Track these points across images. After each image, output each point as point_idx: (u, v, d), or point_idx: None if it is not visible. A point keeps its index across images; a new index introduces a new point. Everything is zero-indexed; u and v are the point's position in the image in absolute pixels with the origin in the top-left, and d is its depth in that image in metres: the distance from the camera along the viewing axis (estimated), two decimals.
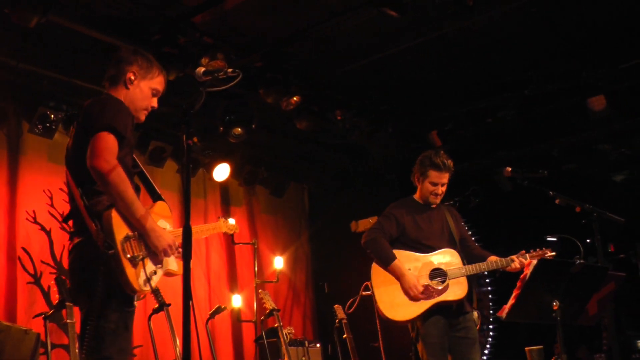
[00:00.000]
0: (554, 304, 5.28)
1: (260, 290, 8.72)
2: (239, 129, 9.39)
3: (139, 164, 4.86)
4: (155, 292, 7.05)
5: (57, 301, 6.61)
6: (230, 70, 4.23)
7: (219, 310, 8.13)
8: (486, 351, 10.52)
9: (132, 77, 4.67)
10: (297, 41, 8.24)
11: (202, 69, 4.24)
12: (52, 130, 8.53)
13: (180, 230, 4.36)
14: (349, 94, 9.74)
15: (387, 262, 6.50)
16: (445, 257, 6.54)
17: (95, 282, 4.18)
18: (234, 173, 10.70)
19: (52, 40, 7.80)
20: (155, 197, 4.88)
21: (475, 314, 6.63)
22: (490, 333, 10.61)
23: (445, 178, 6.64)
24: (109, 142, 4.28)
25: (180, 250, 4.50)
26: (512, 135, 10.15)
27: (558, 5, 7.77)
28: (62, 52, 8.07)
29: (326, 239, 12.12)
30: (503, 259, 6.43)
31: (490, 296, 10.55)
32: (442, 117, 10.31)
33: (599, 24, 8.25)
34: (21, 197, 8.45)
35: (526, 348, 9.04)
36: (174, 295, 7.78)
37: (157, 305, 7.18)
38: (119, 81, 4.68)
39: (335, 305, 8.52)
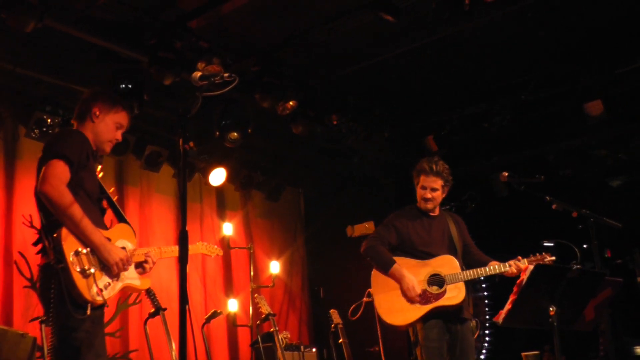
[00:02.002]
0: (551, 309, 5.26)
1: (256, 295, 8.71)
2: (235, 134, 9.37)
3: (105, 189, 5.19)
4: (152, 296, 7.06)
5: None
6: (226, 74, 4.24)
7: (214, 315, 8.11)
8: (482, 356, 10.51)
9: (97, 112, 5.07)
10: (293, 46, 8.23)
11: (199, 74, 4.26)
12: (49, 134, 8.50)
13: (141, 250, 5.03)
14: (345, 98, 9.73)
15: (386, 267, 6.58)
16: (443, 263, 6.57)
17: (49, 299, 4.52)
18: (230, 177, 10.68)
19: (49, 45, 7.79)
20: (120, 219, 5.16)
21: (474, 322, 6.69)
22: (487, 338, 10.60)
23: (434, 183, 6.66)
24: (57, 169, 4.64)
25: (146, 265, 5.07)
26: (508, 140, 10.15)
27: (554, 9, 7.77)
28: (58, 57, 8.06)
29: (322, 244, 12.11)
30: (501, 264, 6.47)
31: (486, 301, 10.55)
32: (438, 122, 10.30)
33: (595, 29, 8.25)
34: (18, 202, 8.43)
35: (522, 353, 9.04)
36: (169, 299, 7.78)
37: (153, 310, 7.17)
38: (85, 117, 5.08)
39: (331, 310, 8.52)
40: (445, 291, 6.46)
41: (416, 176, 6.74)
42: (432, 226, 6.76)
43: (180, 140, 4.09)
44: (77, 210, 4.56)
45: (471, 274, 6.49)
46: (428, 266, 6.57)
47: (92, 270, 4.57)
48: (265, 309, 8.21)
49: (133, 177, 9.87)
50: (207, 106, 7.50)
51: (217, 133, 9.36)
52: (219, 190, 11.01)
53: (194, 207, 10.59)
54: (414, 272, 6.54)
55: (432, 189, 6.67)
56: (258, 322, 8.65)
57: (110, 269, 4.71)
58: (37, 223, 8.07)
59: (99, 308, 4.73)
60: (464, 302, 6.48)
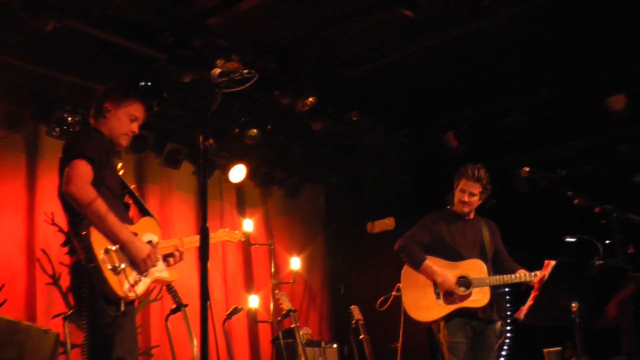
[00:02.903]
0: (573, 305, 5.22)
1: (276, 291, 8.70)
2: (255, 131, 9.38)
3: (127, 184, 5.23)
4: (173, 293, 7.07)
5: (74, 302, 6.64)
6: (245, 71, 4.22)
7: (235, 311, 8.10)
8: (503, 353, 10.45)
9: (109, 107, 5.11)
10: (312, 43, 8.20)
11: (218, 71, 4.24)
12: (69, 133, 8.52)
13: (167, 242, 5.09)
14: (364, 95, 9.70)
15: (418, 264, 6.82)
16: (472, 267, 6.77)
17: (82, 297, 4.60)
18: (250, 174, 10.67)
19: (68, 44, 7.82)
20: (144, 213, 5.22)
21: (499, 324, 6.88)
22: (508, 335, 10.54)
23: (473, 188, 6.83)
24: (79, 168, 4.68)
25: (173, 258, 5.14)
26: (528, 136, 10.08)
27: (574, 4, 7.70)
28: (77, 56, 8.09)
29: (342, 240, 12.09)
30: (527, 274, 6.63)
31: (507, 297, 10.48)
32: (458, 119, 10.25)
33: (616, 22, 8.16)
34: (40, 200, 8.46)
35: (544, 350, 8.98)
36: (191, 296, 7.78)
37: (174, 306, 7.17)
38: (99, 114, 5.14)
39: (352, 306, 8.49)
40: (470, 293, 6.67)
41: (457, 179, 6.93)
42: (467, 230, 6.96)
43: (201, 137, 4.08)
44: (103, 208, 4.60)
45: (497, 279, 6.67)
46: (457, 268, 6.77)
47: (123, 267, 4.61)
48: (286, 305, 8.19)
49: (153, 174, 9.88)
50: (227, 103, 7.51)
51: (237, 130, 9.36)
52: (239, 187, 11.01)
53: (214, 204, 10.58)
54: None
55: (470, 194, 6.86)
56: (279, 318, 8.66)
57: (139, 266, 4.76)
58: (60, 222, 8.15)
59: (131, 303, 4.79)
60: (487, 305, 6.66)
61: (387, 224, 10.64)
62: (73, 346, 7.24)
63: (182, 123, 9.48)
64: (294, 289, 11.13)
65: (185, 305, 7.15)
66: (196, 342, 6.92)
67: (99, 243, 4.59)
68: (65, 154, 4.83)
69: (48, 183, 8.49)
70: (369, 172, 11.80)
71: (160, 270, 4.98)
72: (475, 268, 6.75)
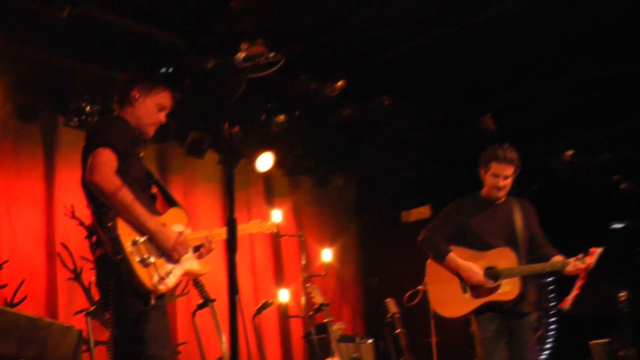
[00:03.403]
0: (621, 294, 5.17)
1: (307, 285, 8.70)
2: (282, 117, 9.39)
3: (153, 174, 5.24)
4: (200, 287, 7.08)
5: (98, 297, 6.68)
6: (271, 54, 4.20)
7: (265, 306, 8.12)
8: (547, 346, 10.39)
9: (137, 95, 5.11)
10: (339, 26, 8.18)
11: (242, 55, 4.22)
12: (88, 123, 8.54)
13: (196, 233, 5.07)
14: (394, 80, 9.65)
15: (442, 257, 6.67)
16: (500, 256, 6.58)
17: (108, 291, 4.62)
18: (278, 163, 10.67)
19: (84, 32, 7.83)
20: (172, 203, 5.25)
21: (534, 316, 6.70)
22: (552, 327, 10.48)
23: (507, 170, 6.63)
24: (104, 157, 4.67)
25: (203, 249, 5.11)
26: (569, 119, 9.99)
27: None
28: (94, 44, 8.11)
29: (376, 230, 12.07)
30: (560, 261, 6.45)
31: (550, 287, 10.42)
32: (494, 102, 10.18)
33: None
34: (59, 193, 8.53)
35: (590, 342, 8.92)
36: (218, 290, 7.77)
37: (201, 301, 7.18)
38: (125, 102, 5.14)
39: (387, 299, 8.47)
40: (499, 286, 6.50)
41: (485, 163, 6.72)
42: (496, 215, 6.75)
43: (225, 125, 4.08)
44: (129, 197, 4.60)
45: (528, 269, 6.52)
46: (484, 258, 6.60)
47: (152, 259, 4.60)
48: (318, 298, 8.19)
49: (176, 165, 9.91)
50: (252, 89, 7.50)
51: (263, 117, 9.37)
52: (267, 176, 11.02)
53: (241, 194, 10.60)
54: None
55: (504, 177, 6.65)
56: (311, 313, 8.64)
57: (170, 256, 4.76)
58: (80, 215, 8.21)
59: (162, 297, 4.78)
60: (518, 297, 6.47)
61: (423, 212, 10.61)
62: (96, 343, 7.29)
63: (206, 111, 9.49)
64: (326, 282, 11.13)
65: (213, 300, 7.16)
66: (225, 339, 6.94)
67: (126, 234, 4.57)
68: (89, 143, 4.83)
69: (67, 175, 8.55)
70: (402, 159, 11.76)
71: (190, 262, 4.97)
72: (504, 257, 6.55)
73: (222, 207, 10.25)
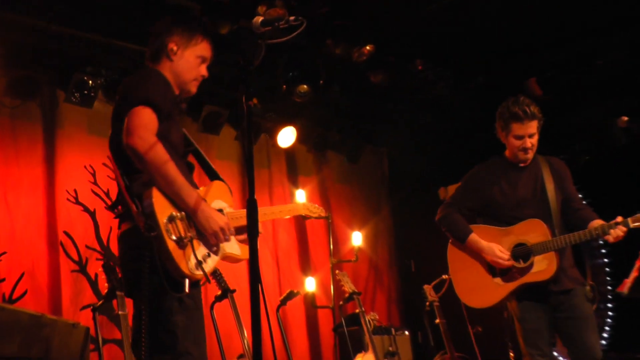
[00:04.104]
0: None
1: (337, 272, 8.70)
2: (305, 87, 9.39)
3: (192, 141, 5.10)
4: (218, 276, 7.09)
5: (106, 291, 6.71)
6: (292, 18, 4.19)
7: (291, 296, 8.14)
8: (605, 334, 10.37)
9: (175, 48, 4.95)
10: None
11: (260, 19, 4.22)
12: (91, 98, 8.58)
13: (241, 212, 4.80)
14: (429, 41, 9.60)
15: (462, 238, 6.55)
16: (529, 229, 6.34)
17: (142, 271, 4.34)
18: (301, 137, 10.70)
19: None
20: (212, 176, 5.14)
21: (587, 287, 6.34)
22: (609, 313, 10.45)
23: (531, 128, 6.37)
24: (144, 118, 4.48)
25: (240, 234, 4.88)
26: (625, 80, 9.91)
27: None
28: (98, 10, 8.10)
29: (411, 210, 12.07)
30: (599, 227, 6.14)
31: (607, 269, 10.38)
32: (542, 62, 10.11)
33: None
34: (60, 176, 8.55)
35: None
36: (238, 280, 7.84)
37: (219, 292, 7.21)
38: (161, 55, 4.97)
39: (425, 286, 8.49)
40: (532, 264, 6.27)
41: (504, 126, 6.50)
42: (522, 180, 6.51)
43: (243, 97, 4.04)
44: (172, 167, 4.43)
45: (563, 240, 6.19)
46: (511, 234, 6.40)
47: (190, 239, 4.45)
48: (349, 287, 8.21)
49: None
50: (272, 56, 7.50)
51: (284, 87, 9.37)
52: (289, 152, 11.04)
53: (262, 173, 10.63)
54: (496, 243, 6.41)
55: (530, 135, 6.39)
56: (341, 303, 8.66)
57: (208, 239, 4.62)
58: (84, 199, 8.25)
59: (197, 284, 4.64)
60: (555, 275, 6.20)
61: None
62: (105, 341, 7.35)
63: (221, 82, 9.48)
64: (357, 268, 11.15)
65: (233, 291, 7.20)
66: (246, 333, 6.99)
67: (162, 208, 4.42)
68: (125, 99, 4.63)
69: (69, 156, 8.59)
70: (439, 130, 11.74)
71: (231, 245, 4.81)
72: (534, 230, 6.29)
73: (241, 187, 10.26)
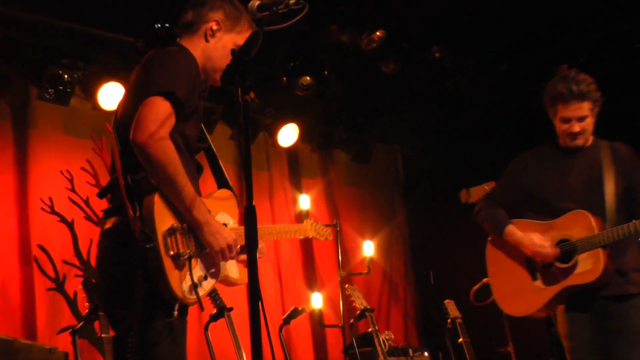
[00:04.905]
0: None
1: (347, 286, 8.71)
2: (308, 78, 9.40)
3: (208, 137, 5.02)
4: (213, 293, 7.10)
5: (86, 311, 6.70)
6: (292, 1, 4.18)
7: (295, 314, 8.16)
8: None
9: (215, 28, 4.79)
10: None
11: (257, 2, 4.20)
12: (67, 94, 8.58)
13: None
14: (447, 26, 9.60)
15: (499, 230, 6.36)
16: (573, 222, 6.06)
17: (133, 284, 4.25)
18: (304, 136, 10.72)
19: None
20: (221, 182, 5.12)
21: None
22: None
23: (580, 109, 6.04)
24: (159, 112, 4.30)
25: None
26: None
27: None
28: None
29: (429, 215, 12.09)
30: None
31: None
32: (573, 47, 10.12)
33: None
34: (34, 182, 8.53)
35: None
36: (235, 296, 7.85)
37: (215, 311, 7.23)
38: (197, 30, 4.80)
39: (446, 301, 8.49)
40: (576, 263, 5.97)
41: (550, 106, 6.18)
42: (574, 167, 6.20)
43: (239, 91, 3.93)
44: (181, 174, 4.30)
45: (610, 235, 5.82)
46: (553, 229, 6.14)
47: (189, 257, 4.33)
48: (360, 303, 8.23)
49: None
50: (271, 45, 7.51)
51: (285, 79, 9.38)
52: (291, 152, 11.07)
53: (261, 175, 10.66)
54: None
55: (579, 118, 6.06)
56: (352, 321, 8.67)
57: (212, 258, 4.50)
58: (60, 208, 8.24)
59: (186, 312, 4.51)
60: (605, 276, 5.85)
61: (487, 190, 10.59)
62: None
63: None
64: (369, 281, 11.19)
65: (230, 309, 7.22)
66: (245, 356, 7.00)
67: (162, 217, 4.30)
68: (141, 85, 4.47)
69: (44, 160, 8.58)
70: (459, 125, 11.75)
71: (230, 267, 4.71)
72: (578, 223, 5.99)
73: (238, 193, 10.24)
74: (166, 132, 4.28)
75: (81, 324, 6.95)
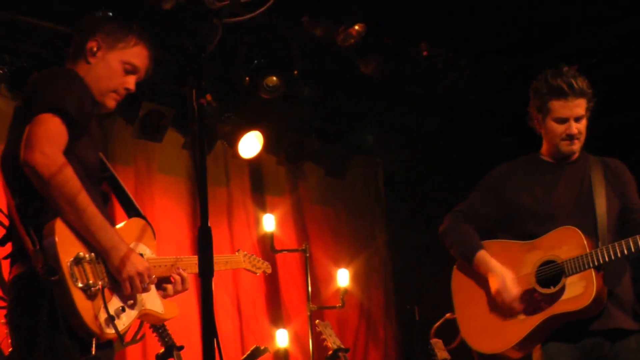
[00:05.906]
0: None
1: (317, 321, 8.75)
2: (274, 79, 9.43)
3: (109, 166, 5.11)
4: (161, 330, 7.10)
5: (10, 349, 6.69)
6: None
7: (257, 354, 8.18)
8: None
9: (95, 48, 4.97)
10: None
11: None
12: (39, 73, 8.57)
13: (166, 259, 4.86)
14: (437, 20, 9.64)
15: (469, 256, 6.28)
16: (559, 241, 5.97)
17: (37, 328, 4.31)
18: (270, 146, 10.73)
19: None
20: (132, 211, 5.12)
21: None
22: None
23: (578, 107, 6.05)
24: (49, 128, 4.44)
25: (171, 285, 4.90)
26: None
27: None
28: None
29: (414, 240, 12.10)
30: None
31: None
32: (582, 47, 10.19)
33: None
34: None
35: None
36: (187, 333, 7.84)
37: (163, 350, 7.23)
38: (80, 54, 4.98)
39: (433, 340, 8.52)
40: (563, 288, 5.85)
41: (541, 105, 6.18)
42: (561, 181, 6.20)
43: (193, 93, 3.98)
44: (82, 195, 4.39)
45: (605, 253, 5.73)
46: (537, 248, 6.05)
47: (100, 287, 4.39)
48: (333, 341, 8.25)
49: (123, 150, 9.92)
50: (231, 39, 7.53)
51: (247, 79, 9.40)
52: (254, 165, 11.08)
53: (218, 192, 10.65)
54: (517, 262, 6.09)
55: (576, 118, 6.07)
56: None
57: (124, 287, 4.54)
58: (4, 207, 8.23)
59: (109, 345, 4.62)
60: (595, 302, 5.74)
61: None
62: None
63: (165, 73, 9.49)
64: (343, 316, 11.20)
65: (181, 348, 7.23)
66: None
67: (66, 246, 4.36)
68: (30, 103, 4.63)
69: None
70: (450, 135, 11.80)
71: (152, 301, 4.78)
72: (567, 241, 5.90)
73: (191, 211, 10.28)
74: (59, 149, 4.41)
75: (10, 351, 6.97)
